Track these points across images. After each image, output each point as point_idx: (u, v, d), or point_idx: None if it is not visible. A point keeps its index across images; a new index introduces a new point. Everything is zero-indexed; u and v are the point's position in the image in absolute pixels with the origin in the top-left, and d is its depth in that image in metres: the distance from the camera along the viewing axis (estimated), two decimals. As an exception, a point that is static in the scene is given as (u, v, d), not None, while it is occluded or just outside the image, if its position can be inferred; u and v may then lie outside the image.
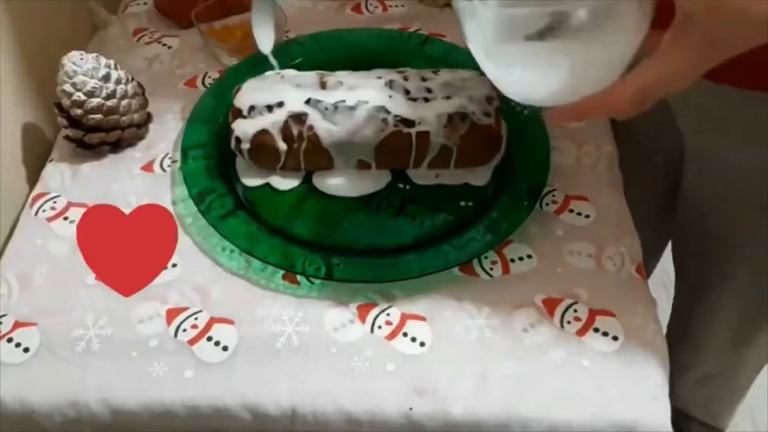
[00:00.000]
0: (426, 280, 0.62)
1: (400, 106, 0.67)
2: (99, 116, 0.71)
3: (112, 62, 0.72)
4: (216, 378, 0.57)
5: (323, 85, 0.69)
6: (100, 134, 0.72)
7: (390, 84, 0.68)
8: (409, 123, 0.66)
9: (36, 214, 0.69)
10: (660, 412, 0.56)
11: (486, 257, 0.64)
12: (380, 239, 0.66)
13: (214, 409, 0.56)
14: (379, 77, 0.69)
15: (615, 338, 0.59)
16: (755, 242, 0.73)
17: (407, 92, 0.68)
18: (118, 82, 0.71)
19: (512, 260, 0.64)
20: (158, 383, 0.57)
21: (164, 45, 0.88)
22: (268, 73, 0.73)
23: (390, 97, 0.67)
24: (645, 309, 0.61)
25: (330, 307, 0.61)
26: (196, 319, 0.60)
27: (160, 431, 0.58)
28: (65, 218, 0.68)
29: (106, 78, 0.70)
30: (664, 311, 1.03)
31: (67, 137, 0.73)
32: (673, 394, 0.57)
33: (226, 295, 0.62)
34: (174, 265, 0.64)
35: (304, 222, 0.67)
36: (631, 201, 0.70)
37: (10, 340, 0.59)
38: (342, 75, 0.71)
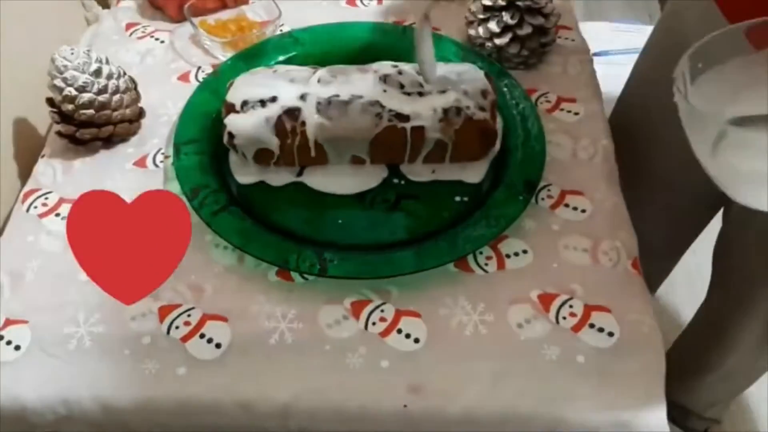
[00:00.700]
0: (421, 276, 0.61)
1: (394, 101, 0.66)
2: (91, 111, 0.70)
3: (103, 57, 0.71)
4: (209, 375, 0.57)
5: (317, 80, 0.68)
6: (92, 130, 0.71)
7: (384, 78, 0.68)
8: (403, 118, 0.66)
9: (27, 210, 0.68)
10: (656, 408, 0.56)
11: (481, 253, 0.64)
12: (375, 235, 0.65)
13: (207, 407, 0.56)
14: (374, 71, 0.69)
15: (611, 334, 0.59)
16: None
17: (402, 86, 0.67)
18: (109, 76, 0.71)
19: (507, 255, 0.64)
20: (151, 381, 0.57)
21: (157, 39, 0.87)
22: (261, 67, 0.72)
23: (384, 91, 0.67)
24: (641, 304, 0.61)
25: (324, 303, 0.61)
26: (189, 316, 0.60)
27: (152, 429, 0.58)
28: (57, 214, 0.68)
29: (98, 73, 0.70)
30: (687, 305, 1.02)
31: (58, 133, 0.72)
32: (690, 393, 0.57)
33: (219, 292, 0.62)
34: (167, 262, 0.64)
35: (298, 218, 0.67)
36: (677, 189, 0.67)
37: (1, 337, 0.59)
38: (336, 69, 0.70)
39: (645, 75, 0.88)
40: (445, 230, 0.65)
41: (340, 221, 0.67)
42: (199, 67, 0.83)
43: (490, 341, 0.58)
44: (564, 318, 0.60)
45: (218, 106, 0.71)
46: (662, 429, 0.55)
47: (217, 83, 0.75)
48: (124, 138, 0.75)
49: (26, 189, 0.71)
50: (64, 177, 0.71)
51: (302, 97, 0.66)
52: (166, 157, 0.73)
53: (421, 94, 0.67)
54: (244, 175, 0.70)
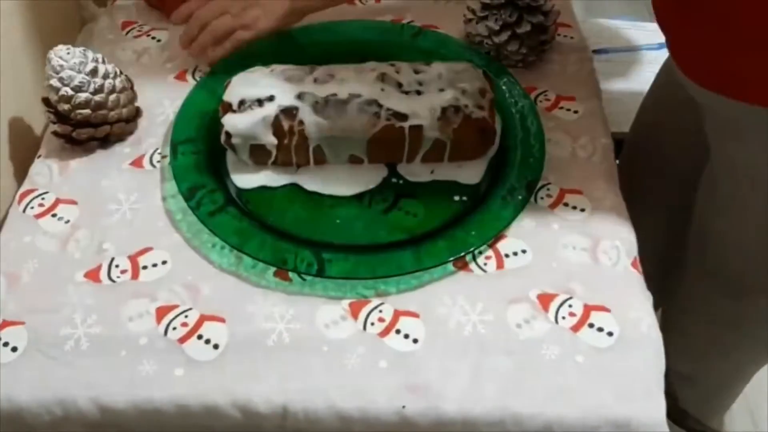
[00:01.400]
0: (419, 275, 0.61)
1: (392, 100, 0.66)
2: (87, 111, 0.70)
3: (99, 56, 0.71)
4: (206, 376, 0.56)
5: (314, 79, 0.68)
6: (88, 129, 0.71)
7: (382, 77, 0.67)
8: (401, 117, 0.65)
9: (24, 210, 0.68)
10: (655, 408, 0.55)
11: (480, 252, 0.63)
12: (373, 235, 0.65)
13: (204, 408, 0.56)
14: (372, 70, 0.68)
15: (610, 334, 0.58)
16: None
17: (400, 85, 0.67)
18: (105, 76, 0.70)
19: (506, 255, 0.64)
20: (148, 382, 0.56)
21: (153, 38, 0.86)
22: (258, 66, 0.72)
23: (382, 90, 0.66)
24: (640, 303, 0.61)
25: (322, 303, 0.60)
26: (186, 316, 0.60)
27: (150, 430, 0.57)
28: (53, 215, 0.68)
29: (94, 72, 0.69)
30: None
31: (55, 133, 0.72)
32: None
33: (217, 293, 0.61)
34: (164, 262, 0.63)
35: (296, 217, 0.66)
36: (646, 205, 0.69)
37: (-3, 339, 0.59)
38: (333, 68, 0.70)
39: (648, 119, 0.89)
40: (444, 230, 0.65)
41: (338, 221, 0.66)
42: (196, 66, 0.82)
43: (489, 341, 0.58)
44: (563, 318, 0.59)
45: (215, 106, 0.70)
46: (662, 428, 0.55)
47: (214, 82, 0.74)
48: (120, 138, 0.74)
49: (22, 189, 0.70)
50: (60, 177, 0.71)
51: (299, 97, 0.66)
52: (163, 156, 0.72)
53: (419, 92, 0.67)
54: (243, 176, 0.69)
